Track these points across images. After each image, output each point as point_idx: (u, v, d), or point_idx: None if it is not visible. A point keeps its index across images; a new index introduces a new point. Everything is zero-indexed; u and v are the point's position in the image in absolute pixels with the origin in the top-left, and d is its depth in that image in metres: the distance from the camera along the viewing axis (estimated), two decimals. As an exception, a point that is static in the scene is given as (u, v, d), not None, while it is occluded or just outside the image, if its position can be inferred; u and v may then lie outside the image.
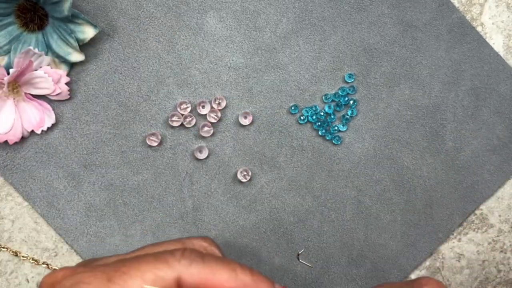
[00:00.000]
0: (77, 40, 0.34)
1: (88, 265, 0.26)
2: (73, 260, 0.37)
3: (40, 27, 0.35)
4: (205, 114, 0.37)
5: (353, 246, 0.38)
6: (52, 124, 0.36)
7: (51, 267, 0.37)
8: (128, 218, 0.37)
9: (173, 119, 0.37)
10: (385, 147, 0.38)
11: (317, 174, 0.38)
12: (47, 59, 0.35)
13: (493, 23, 0.38)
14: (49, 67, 0.35)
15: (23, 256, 0.37)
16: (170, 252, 0.25)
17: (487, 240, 0.39)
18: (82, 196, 0.37)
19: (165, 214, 0.37)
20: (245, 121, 0.37)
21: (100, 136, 0.37)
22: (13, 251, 0.37)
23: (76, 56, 0.35)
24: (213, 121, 0.37)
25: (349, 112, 0.38)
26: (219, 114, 0.37)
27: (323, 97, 0.37)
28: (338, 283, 0.38)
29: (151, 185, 0.37)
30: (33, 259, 0.37)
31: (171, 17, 0.37)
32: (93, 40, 0.36)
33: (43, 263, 0.37)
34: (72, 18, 0.34)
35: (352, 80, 0.37)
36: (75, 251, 0.37)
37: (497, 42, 0.38)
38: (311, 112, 0.37)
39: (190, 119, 0.37)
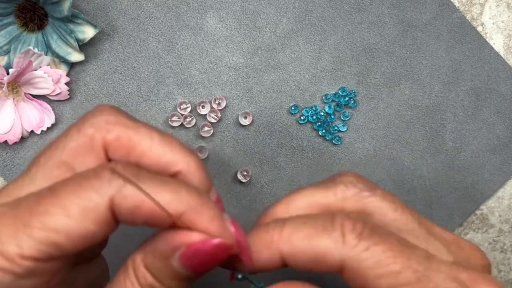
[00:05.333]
0: (77, 40, 0.34)
1: None
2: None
3: (40, 27, 0.35)
4: (205, 114, 0.37)
5: (353, 246, 0.38)
6: (52, 124, 0.36)
7: None
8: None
9: (173, 119, 0.37)
10: (385, 147, 0.38)
11: (317, 174, 0.38)
12: (47, 59, 0.34)
13: (493, 23, 0.38)
14: (48, 67, 0.35)
15: None
16: (95, 174, 0.20)
17: (487, 240, 0.39)
18: (82, 196, 0.37)
19: (165, 214, 0.37)
20: (245, 121, 0.37)
21: (100, 136, 0.37)
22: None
23: (76, 56, 0.35)
24: (213, 121, 0.37)
25: (348, 113, 0.38)
26: (219, 114, 0.37)
27: (323, 97, 0.37)
28: (338, 284, 0.38)
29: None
30: None
31: (171, 17, 0.37)
32: (93, 40, 0.35)
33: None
34: (72, 18, 0.33)
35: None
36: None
37: (497, 42, 0.38)
38: (311, 112, 0.37)
39: (190, 119, 0.37)
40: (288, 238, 0.23)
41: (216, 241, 0.21)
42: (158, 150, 0.22)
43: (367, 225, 0.22)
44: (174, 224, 0.21)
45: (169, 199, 0.20)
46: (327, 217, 0.23)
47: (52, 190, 0.20)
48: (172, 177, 0.22)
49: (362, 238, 0.22)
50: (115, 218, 0.21)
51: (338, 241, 0.22)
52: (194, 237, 0.21)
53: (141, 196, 0.20)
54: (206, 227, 0.21)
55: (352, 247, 0.22)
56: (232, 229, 0.23)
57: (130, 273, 0.22)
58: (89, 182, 0.20)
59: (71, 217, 0.20)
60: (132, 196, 0.20)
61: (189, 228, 0.21)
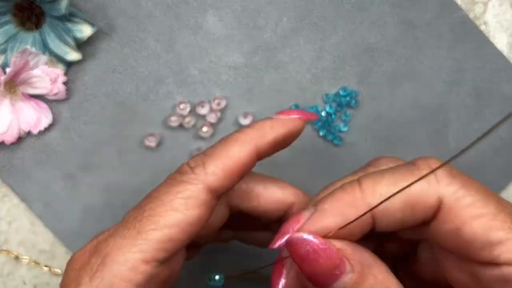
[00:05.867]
0: (75, 39, 0.34)
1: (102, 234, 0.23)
2: (71, 262, 0.37)
3: (37, 26, 0.35)
4: (205, 114, 0.37)
5: (354, 248, 0.38)
6: (49, 124, 0.36)
7: (53, 270, 0.36)
8: (127, 219, 0.37)
9: (172, 119, 0.36)
10: (387, 148, 0.38)
11: (318, 175, 0.37)
12: (44, 58, 0.34)
13: (496, 22, 0.38)
14: (46, 66, 0.34)
15: (24, 258, 0.36)
16: (179, 171, 0.23)
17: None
18: (80, 197, 0.36)
19: (164, 215, 0.37)
20: (245, 121, 0.37)
21: (97, 136, 0.36)
22: (14, 255, 0.36)
23: (74, 55, 0.35)
24: (213, 121, 0.36)
25: (349, 113, 0.37)
26: (219, 114, 0.36)
27: (324, 97, 0.37)
28: (339, 286, 0.38)
29: (149, 186, 0.36)
30: (35, 262, 0.36)
31: (170, 16, 0.36)
32: (91, 39, 0.35)
33: (45, 266, 0.36)
34: (69, 17, 0.33)
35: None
36: (72, 252, 0.37)
37: (500, 41, 0.38)
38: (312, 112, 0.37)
39: (189, 119, 0.36)
40: (372, 190, 0.21)
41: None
42: (270, 190, 0.27)
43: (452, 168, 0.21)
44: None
45: (238, 150, 0.23)
46: (407, 163, 0.22)
47: (150, 197, 0.23)
48: (286, 210, 0.26)
49: (454, 176, 0.20)
50: (217, 194, 0.23)
51: (432, 180, 0.20)
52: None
53: (223, 161, 0.22)
54: (275, 137, 0.24)
55: (447, 184, 0.20)
56: (288, 117, 0.25)
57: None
58: (179, 179, 0.23)
59: (178, 210, 0.21)
60: (216, 166, 0.22)
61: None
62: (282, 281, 0.22)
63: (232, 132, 0.25)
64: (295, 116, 0.25)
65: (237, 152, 0.23)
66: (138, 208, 0.22)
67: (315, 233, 0.20)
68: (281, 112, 0.26)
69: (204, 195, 0.22)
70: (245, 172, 0.24)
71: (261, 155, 0.24)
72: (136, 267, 0.20)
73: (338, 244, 0.19)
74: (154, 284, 0.21)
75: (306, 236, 0.19)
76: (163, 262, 0.21)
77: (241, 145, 0.23)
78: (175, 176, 0.23)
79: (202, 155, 0.23)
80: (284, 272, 0.22)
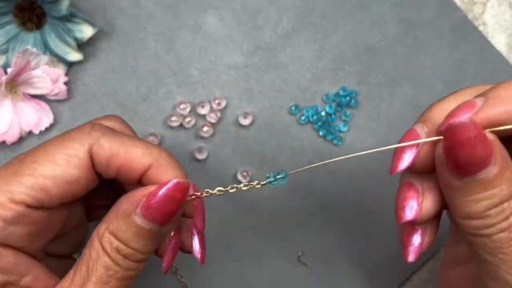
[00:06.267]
0: (76, 39, 0.34)
1: None
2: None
3: (38, 26, 0.35)
4: (205, 114, 0.37)
5: (354, 248, 0.38)
6: (50, 124, 0.36)
7: None
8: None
9: (172, 119, 0.36)
10: (386, 147, 0.38)
11: (318, 175, 0.37)
12: (45, 58, 0.34)
13: (495, 22, 0.38)
14: (47, 66, 0.34)
15: None
16: (78, 129, 0.24)
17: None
18: (80, 197, 0.36)
19: (164, 215, 0.37)
20: (245, 121, 0.37)
21: (98, 136, 0.36)
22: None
23: (75, 56, 0.35)
24: (213, 121, 0.36)
25: (349, 113, 0.37)
26: (219, 114, 0.37)
27: (324, 97, 0.37)
28: (339, 285, 0.38)
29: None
30: None
31: (170, 16, 0.36)
32: (91, 39, 0.35)
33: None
34: (70, 17, 0.33)
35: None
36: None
37: (499, 41, 0.38)
38: (312, 112, 0.37)
39: (190, 119, 0.36)
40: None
41: (174, 181, 0.23)
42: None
43: None
44: (142, 180, 0.24)
45: (140, 154, 0.24)
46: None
47: (41, 145, 0.24)
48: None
49: None
50: (95, 167, 0.24)
51: None
52: (152, 188, 0.23)
53: (117, 148, 0.23)
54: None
55: None
56: (190, 189, 0.25)
57: (94, 243, 0.23)
58: (72, 135, 0.24)
59: (57, 164, 0.23)
60: (109, 147, 0.23)
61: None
62: (413, 152, 0.22)
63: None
64: (197, 206, 0.26)
65: (137, 154, 0.24)
66: (27, 152, 0.24)
67: (480, 122, 0.20)
68: (194, 187, 0.26)
69: (87, 159, 0.23)
70: (123, 176, 0.24)
71: (142, 180, 0.24)
72: (4, 204, 0.22)
73: (490, 136, 0.20)
74: (28, 223, 0.23)
75: (472, 122, 0.20)
76: (34, 207, 0.22)
77: (145, 154, 0.24)
78: (74, 129, 0.24)
79: (111, 128, 0.24)
80: (417, 148, 0.22)
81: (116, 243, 0.22)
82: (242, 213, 0.37)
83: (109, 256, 0.22)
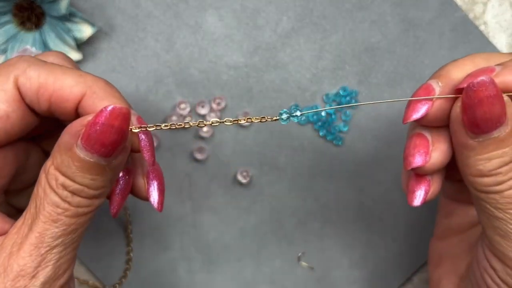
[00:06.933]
0: (75, 39, 0.34)
1: None
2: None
3: (37, 25, 0.35)
4: (205, 114, 0.36)
5: (354, 248, 0.38)
6: (49, 124, 0.36)
7: None
8: (125, 220, 0.37)
9: (172, 119, 0.36)
10: (387, 148, 0.37)
11: (318, 175, 0.37)
12: (44, 58, 0.34)
13: (496, 22, 0.38)
14: (46, 66, 0.34)
15: None
16: (6, 62, 0.23)
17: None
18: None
19: (164, 216, 0.37)
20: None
21: (98, 136, 0.36)
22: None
23: (74, 55, 0.34)
24: (213, 121, 0.36)
25: (349, 113, 0.37)
26: (219, 114, 0.36)
27: (324, 97, 0.37)
28: (339, 285, 0.38)
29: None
30: None
31: (170, 16, 0.36)
32: (90, 39, 0.35)
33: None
34: (69, 17, 0.33)
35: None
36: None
37: (500, 41, 0.38)
38: (312, 112, 0.37)
39: (190, 119, 0.36)
40: None
41: (110, 107, 0.21)
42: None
43: None
44: (79, 112, 0.23)
45: (72, 82, 0.22)
46: None
47: None
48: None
49: None
50: (25, 101, 0.22)
51: None
52: (90, 117, 0.21)
53: (45, 78, 0.22)
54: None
55: None
56: (134, 121, 0.23)
57: (41, 180, 0.22)
58: (3, 68, 0.22)
59: None
60: (37, 77, 0.22)
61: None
62: (427, 104, 0.23)
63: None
64: (143, 140, 0.24)
65: (67, 83, 0.22)
66: None
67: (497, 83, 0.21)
68: (139, 119, 0.24)
69: (13, 92, 0.22)
70: (56, 108, 0.23)
71: (79, 110, 0.23)
72: None
73: (505, 97, 0.21)
74: None
75: (493, 81, 0.21)
76: None
77: (77, 82, 0.23)
78: (4, 64, 0.23)
79: (40, 59, 0.23)
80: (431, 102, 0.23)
81: (61, 178, 0.21)
82: (242, 213, 0.37)
83: (55, 192, 0.21)
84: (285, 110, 0.25)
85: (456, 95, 0.23)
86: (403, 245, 0.38)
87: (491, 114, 0.21)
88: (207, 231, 0.37)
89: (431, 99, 0.23)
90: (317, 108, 0.37)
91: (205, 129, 0.36)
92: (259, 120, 0.25)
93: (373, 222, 0.38)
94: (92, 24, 0.34)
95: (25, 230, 0.22)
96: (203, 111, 0.36)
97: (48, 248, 0.21)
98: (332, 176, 0.37)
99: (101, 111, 0.21)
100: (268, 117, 0.25)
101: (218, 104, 0.36)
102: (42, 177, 0.22)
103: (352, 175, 0.37)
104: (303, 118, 0.37)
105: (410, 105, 0.24)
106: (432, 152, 0.24)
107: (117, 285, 0.36)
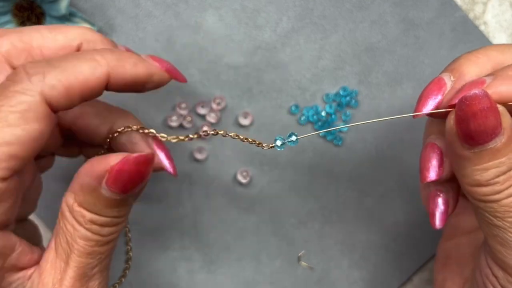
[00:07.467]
0: (75, 39, 0.34)
1: None
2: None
3: (37, 26, 0.35)
4: (205, 114, 0.36)
5: (354, 248, 0.38)
6: (49, 124, 0.36)
7: None
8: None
9: (172, 119, 0.36)
10: (387, 148, 0.37)
11: (318, 175, 0.37)
12: (44, 58, 0.34)
13: (496, 22, 0.38)
14: (46, 66, 0.34)
15: None
16: (13, 80, 0.21)
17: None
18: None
19: (164, 216, 0.37)
20: (245, 121, 0.37)
21: (98, 136, 0.36)
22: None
23: (74, 55, 0.34)
24: (213, 121, 0.36)
25: (349, 113, 0.37)
26: (219, 114, 0.36)
27: (324, 97, 0.37)
28: (339, 286, 0.38)
29: (149, 186, 0.37)
30: None
31: (170, 16, 0.36)
32: (91, 39, 0.35)
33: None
34: (69, 17, 0.33)
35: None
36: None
37: (500, 41, 0.38)
38: (312, 112, 0.37)
39: (189, 119, 0.36)
40: None
41: (134, 156, 0.22)
42: (49, 38, 0.23)
43: None
44: (108, 87, 0.23)
45: (89, 69, 0.22)
46: None
47: None
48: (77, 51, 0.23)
49: None
50: (53, 110, 0.22)
51: None
52: (112, 160, 0.22)
53: (68, 75, 0.21)
54: (133, 74, 0.23)
55: None
56: (156, 63, 0.25)
57: (67, 216, 0.22)
58: (11, 89, 0.20)
59: (14, 125, 0.20)
60: (59, 80, 0.21)
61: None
62: (437, 99, 0.24)
63: (88, 50, 0.24)
64: (164, 66, 0.26)
65: (87, 71, 0.22)
66: None
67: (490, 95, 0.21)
68: (151, 56, 0.26)
69: (43, 108, 0.21)
70: (89, 97, 0.23)
71: (111, 86, 0.23)
72: None
73: (499, 107, 0.21)
74: (9, 197, 0.21)
75: (485, 94, 0.21)
76: (7, 178, 0.21)
77: (94, 66, 0.22)
78: (7, 85, 0.21)
79: (44, 63, 0.22)
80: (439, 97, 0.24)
81: (88, 215, 0.22)
82: (242, 213, 0.37)
83: (85, 228, 0.22)
84: (280, 136, 0.25)
85: (449, 109, 0.23)
86: (403, 245, 0.38)
87: (486, 126, 0.21)
88: (207, 231, 0.37)
89: (442, 92, 0.23)
90: (317, 108, 0.37)
91: (205, 128, 0.36)
92: (256, 144, 0.26)
93: (373, 222, 0.38)
94: (92, 24, 0.34)
95: (62, 265, 0.22)
96: (203, 111, 0.36)
97: (87, 278, 0.22)
98: (332, 176, 0.37)
99: (126, 159, 0.22)
100: (264, 144, 0.26)
101: (218, 104, 0.36)
102: (66, 213, 0.22)
103: (352, 175, 0.37)
104: (303, 118, 0.37)
105: (420, 100, 0.24)
106: (445, 164, 0.24)
107: (117, 285, 0.36)
